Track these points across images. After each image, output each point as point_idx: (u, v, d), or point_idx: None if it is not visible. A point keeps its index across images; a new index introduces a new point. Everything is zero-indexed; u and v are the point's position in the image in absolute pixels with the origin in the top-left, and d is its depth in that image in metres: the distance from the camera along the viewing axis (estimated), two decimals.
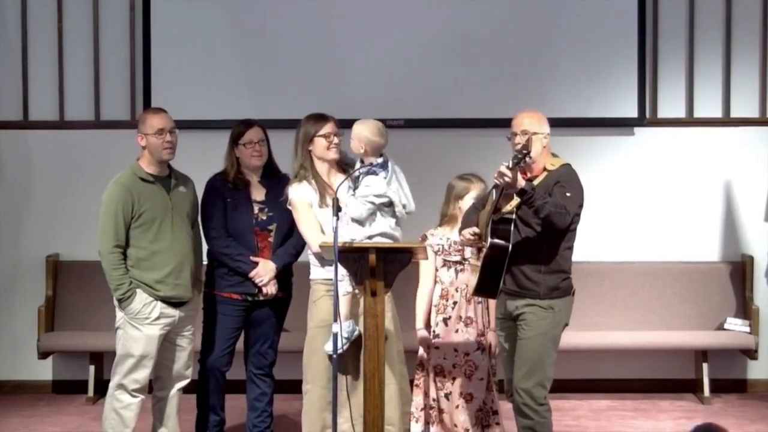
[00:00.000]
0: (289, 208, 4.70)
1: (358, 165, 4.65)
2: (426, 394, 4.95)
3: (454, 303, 4.90)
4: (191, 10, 6.43)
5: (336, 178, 4.65)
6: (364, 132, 4.55)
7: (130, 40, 6.45)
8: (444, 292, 4.93)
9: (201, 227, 4.96)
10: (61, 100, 6.47)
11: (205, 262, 5.01)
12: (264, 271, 4.86)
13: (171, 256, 4.68)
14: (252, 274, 4.86)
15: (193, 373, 4.93)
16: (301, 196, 4.65)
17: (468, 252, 4.85)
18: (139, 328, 4.65)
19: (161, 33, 6.39)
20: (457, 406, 4.88)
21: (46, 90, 6.47)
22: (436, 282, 4.95)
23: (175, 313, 4.71)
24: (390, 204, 4.54)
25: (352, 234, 4.51)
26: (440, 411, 4.92)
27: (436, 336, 4.90)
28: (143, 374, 4.68)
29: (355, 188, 4.59)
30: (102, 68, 6.46)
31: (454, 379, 4.89)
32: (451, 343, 4.89)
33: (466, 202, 4.84)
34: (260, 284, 4.86)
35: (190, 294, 4.77)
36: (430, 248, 4.89)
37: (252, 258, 4.87)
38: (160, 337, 4.69)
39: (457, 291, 4.90)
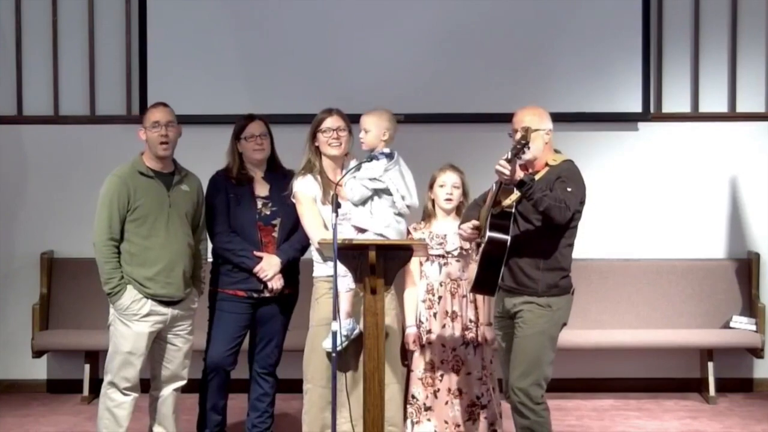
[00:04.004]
0: (293, 201, 4.65)
1: (354, 162, 4.61)
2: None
3: (439, 298, 4.86)
4: (188, 3, 6.37)
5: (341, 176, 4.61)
6: (383, 121, 4.53)
7: (126, 34, 6.38)
8: (429, 287, 4.89)
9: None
10: (56, 95, 6.41)
11: (210, 260, 4.96)
12: (268, 266, 4.79)
13: (163, 253, 4.61)
14: (256, 269, 4.79)
15: (196, 372, 4.87)
16: (305, 189, 4.61)
17: (450, 245, 4.84)
18: (128, 324, 4.60)
19: (157, 26, 6.33)
20: (447, 402, 4.83)
21: (41, 84, 6.41)
22: (421, 277, 4.92)
23: (167, 311, 4.65)
24: (387, 191, 4.48)
25: (361, 223, 4.47)
26: (428, 409, 4.85)
27: (429, 332, 4.86)
28: (132, 372, 4.62)
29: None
30: (97, 62, 6.40)
31: (442, 375, 4.85)
32: (439, 338, 4.86)
33: (435, 191, 4.91)
34: (265, 279, 4.79)
35: (182, 294, 4.69)
36: None
37: (256, 253, 4.81)
38: (150, 335, 4.63)
39: (441, 285, 4.86)
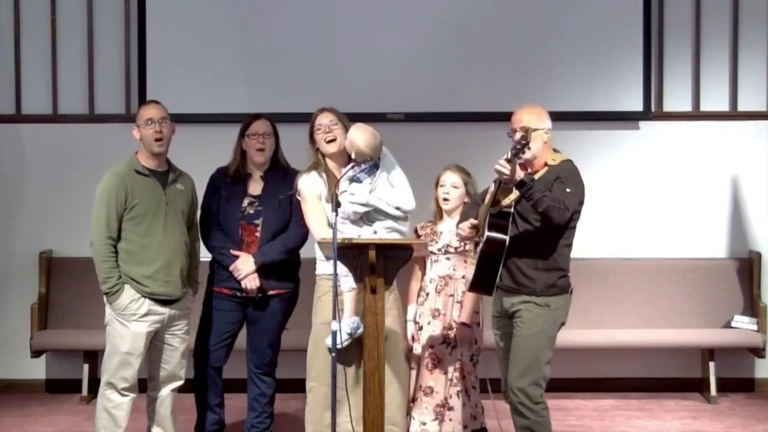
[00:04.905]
0: (298, 198, 4.64)
1: (348, 168, 4.54)
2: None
3: (426, 294, 4.88)
4: (187, 2, 6.35)
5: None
6: (357, 142, 4.45)
7: (125, 32, 6.36)
8: (422, 283, 4.92)
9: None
10: (55, 94, 6.39)
11: (209, 258, 4.96)
12: (242, 265, 4.78)
13: (161, 251, 4.60)
14: (231, 267, 4.79)
15: (188, 371, 4.85)
16: (309, 186, 4.60)
17: (439, 244, 4.85)
18: (126, 324, 4.57)
19: (156, 25, 6.31)
20: (416, 399, 4.84)
21: (40, 83, 6.39)
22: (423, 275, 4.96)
23: (164, 310, 4.63)
24: (377, 210, 4.47)
25: (359, 230, 4.45)
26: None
27: (420, 328, 4.89)
28: (130, 372, 4.60)
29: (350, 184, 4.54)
30: (96, 61, 6.38)
31: (418, 372, 4.86)
32: (421, 335, 4.88)
33: (439, 191, 4.90)
34: (238, 278, 4.79)
35: (180, 292, 4.67)
36: None
37: (233, 252, 4.81)
38: (148, 335, 4.60)
39: (430, 282, 4.88)
